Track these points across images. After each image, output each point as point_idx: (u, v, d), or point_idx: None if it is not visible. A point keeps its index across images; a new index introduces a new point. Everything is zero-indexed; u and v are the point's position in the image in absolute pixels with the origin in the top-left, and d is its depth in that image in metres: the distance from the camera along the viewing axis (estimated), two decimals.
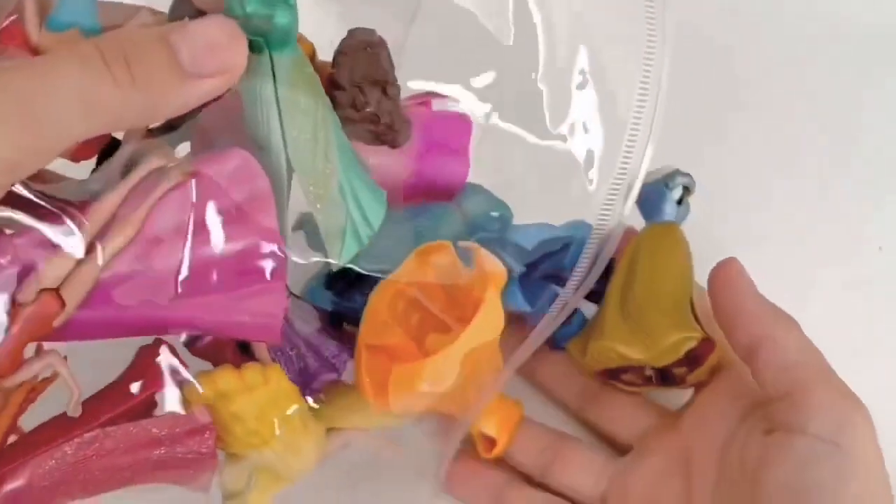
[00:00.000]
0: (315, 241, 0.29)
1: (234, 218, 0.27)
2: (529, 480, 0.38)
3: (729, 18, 0.53)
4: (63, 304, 0.26)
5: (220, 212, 0.27)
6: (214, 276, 0.27)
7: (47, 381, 0.28)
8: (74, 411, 0.28)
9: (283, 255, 0.27)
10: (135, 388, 0.29)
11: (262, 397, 0.30)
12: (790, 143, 0.50)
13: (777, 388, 0.32)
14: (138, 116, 0.25)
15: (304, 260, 0.29)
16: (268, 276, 0.27)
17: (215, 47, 0.25)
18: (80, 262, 0.26)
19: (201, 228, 0.27)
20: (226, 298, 0.27)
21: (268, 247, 0.27)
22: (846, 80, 0.53)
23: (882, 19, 0.53)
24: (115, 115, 0.24)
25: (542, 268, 0.36)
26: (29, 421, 0.28)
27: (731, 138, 0.50)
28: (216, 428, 0.30)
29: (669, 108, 0.43)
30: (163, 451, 0.29)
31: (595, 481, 0.36)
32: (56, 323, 0.26)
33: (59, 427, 0.28)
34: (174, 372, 0.29)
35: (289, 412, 0.31)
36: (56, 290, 0.26)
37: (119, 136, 0.30)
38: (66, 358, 0.28)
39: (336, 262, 0.29)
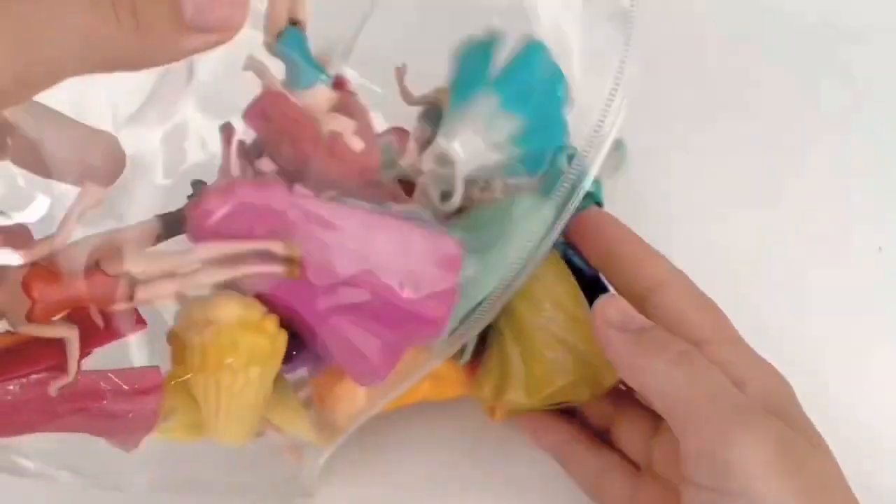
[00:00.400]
0: None
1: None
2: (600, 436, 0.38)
3: (727, 12, 0.53)
4: (131, 297, 0.28)
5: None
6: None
7: None
8: (54, 392, 0.28)
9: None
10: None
11: (251, 339, 0.30)
12: (789, 143, 0.50)
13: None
14: (131, 62, 0.25)
15: None
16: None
17: (218, 3, 0.25)
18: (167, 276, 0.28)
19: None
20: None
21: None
22: (846, 80, 0.53)
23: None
24: (110, 57, 0.25)
25: None
26: None
27: (731, 138, 0.50)
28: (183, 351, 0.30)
29: (664, 108, 0.43)
30: (105, 405, 0.29)
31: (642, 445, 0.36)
32: (113, 307, 0.28)
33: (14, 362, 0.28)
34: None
35: (264, 369, 0.31)
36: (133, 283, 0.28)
37: None
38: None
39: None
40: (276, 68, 0.31)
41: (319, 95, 0.31)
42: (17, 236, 0.29)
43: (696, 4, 0.53)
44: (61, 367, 0.28)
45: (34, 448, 0.31)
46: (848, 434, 0.32)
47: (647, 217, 0.38)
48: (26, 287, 0.27)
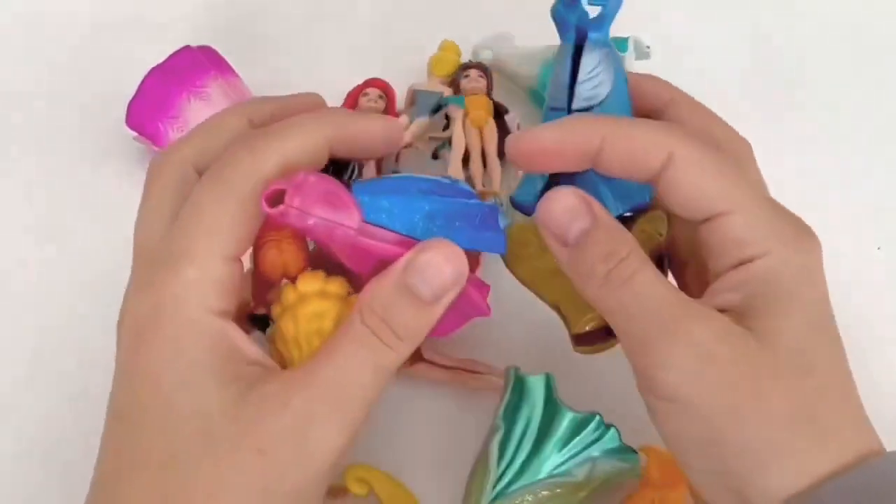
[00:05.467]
0: None
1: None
2: None
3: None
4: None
5: None
6: None
7: None
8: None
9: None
10: None
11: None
12: (789, 143, 0.50)
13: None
14: (409, 352, 0.30)
15: None
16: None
17: (447, 276, 0.29)
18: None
19: None
20: None
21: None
22: (845, 80, 0.53)
23: None
24: (396, 366, 0.30)
25: None
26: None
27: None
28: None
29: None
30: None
31: None
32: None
33: None
34: None
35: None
36: None
37: None
38: None
39: None
40: None
41: None
42: None
43: None
44: None
45: None
46: None
47: None
48: None
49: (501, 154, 0.45)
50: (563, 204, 0.30)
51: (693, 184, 0.30)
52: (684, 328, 0.29)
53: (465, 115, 0.46)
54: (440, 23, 0.54)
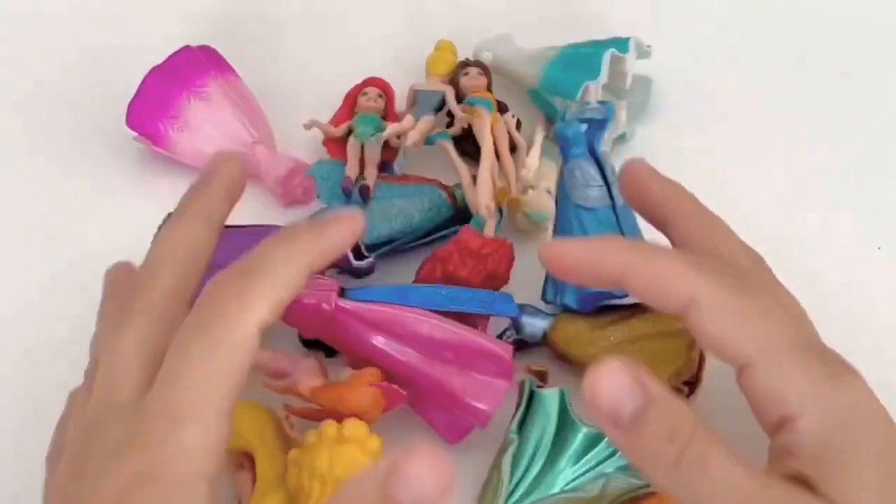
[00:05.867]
0: None
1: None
2: None
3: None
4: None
5: None
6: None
7: None
8: None
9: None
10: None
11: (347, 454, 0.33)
12: (789, 143, 0.50)
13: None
14: None
15: None
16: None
17: (431, 491, 0.24)
18: None
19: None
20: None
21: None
22: (844, 79, 0.53)
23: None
24: None
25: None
26: None
27: (729, 135, 0.50)
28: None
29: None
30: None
31: None
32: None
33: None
34: None
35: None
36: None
37: None
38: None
39: None
40: None
41: None
42: None
43: None
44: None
45: None
46: None
47: None
48: None
49: (512, 150, 0.46)
50: (611, 383, 0.27)
51: (716, 333, 0.29)
52: None
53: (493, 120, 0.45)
54: (440, 23, 0.54)
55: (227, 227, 0.33)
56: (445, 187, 0.44)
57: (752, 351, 0.28)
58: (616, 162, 0.38)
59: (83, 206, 0.48)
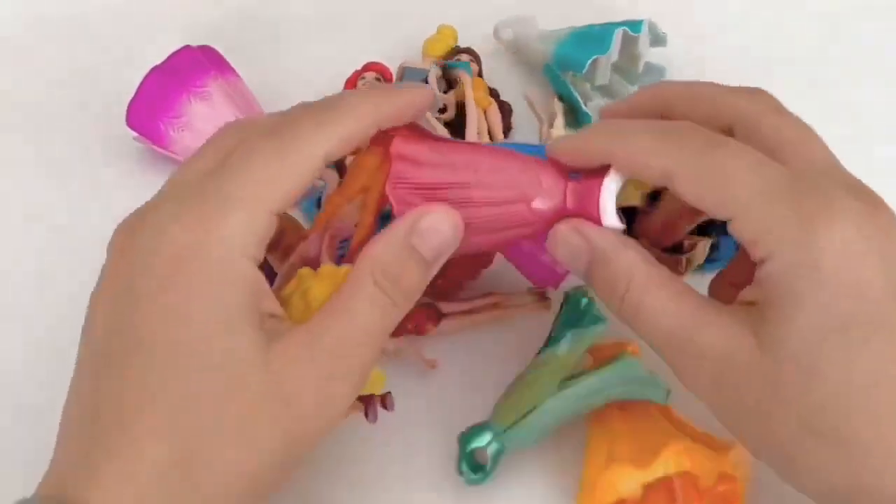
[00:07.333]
0: None
1: None
2: None
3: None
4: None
5: None
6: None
7: None
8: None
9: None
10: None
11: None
12: None
13: None
14: (407, 311, 0.32)
15: None
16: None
17: (444, 238, 0.32)
18: None
19: None
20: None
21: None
22: (845, 80, 0.53)
23: None
24: (396, 325, 0.31)
25: None
26: None
27: None
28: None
29: None
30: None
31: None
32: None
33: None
34: None
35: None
36: None
37: None
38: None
39: None
40: None
41: None
42: None
43: None
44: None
45: None
46: None
47: None
48: None
49: (505, 134, 0.48)
50: (565, 244, 0.33)
51: (694, 199, 0.31)
52: (693, 350, 0.30)
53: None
54: (439, 18, 0.54)
55: None
56: None
57: (729, 206, 0.30)
58: None
59: (83, 206, 0.48)
